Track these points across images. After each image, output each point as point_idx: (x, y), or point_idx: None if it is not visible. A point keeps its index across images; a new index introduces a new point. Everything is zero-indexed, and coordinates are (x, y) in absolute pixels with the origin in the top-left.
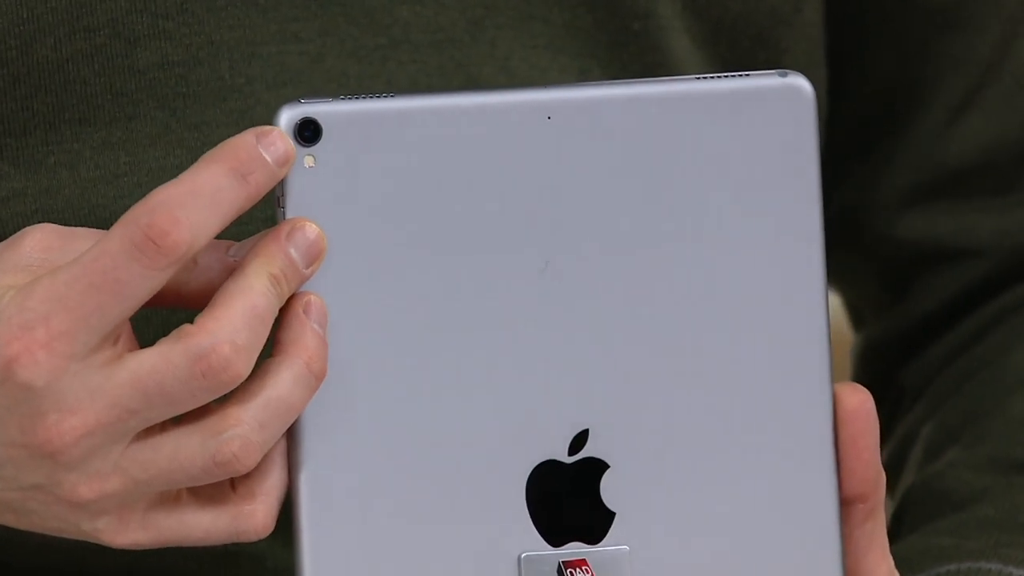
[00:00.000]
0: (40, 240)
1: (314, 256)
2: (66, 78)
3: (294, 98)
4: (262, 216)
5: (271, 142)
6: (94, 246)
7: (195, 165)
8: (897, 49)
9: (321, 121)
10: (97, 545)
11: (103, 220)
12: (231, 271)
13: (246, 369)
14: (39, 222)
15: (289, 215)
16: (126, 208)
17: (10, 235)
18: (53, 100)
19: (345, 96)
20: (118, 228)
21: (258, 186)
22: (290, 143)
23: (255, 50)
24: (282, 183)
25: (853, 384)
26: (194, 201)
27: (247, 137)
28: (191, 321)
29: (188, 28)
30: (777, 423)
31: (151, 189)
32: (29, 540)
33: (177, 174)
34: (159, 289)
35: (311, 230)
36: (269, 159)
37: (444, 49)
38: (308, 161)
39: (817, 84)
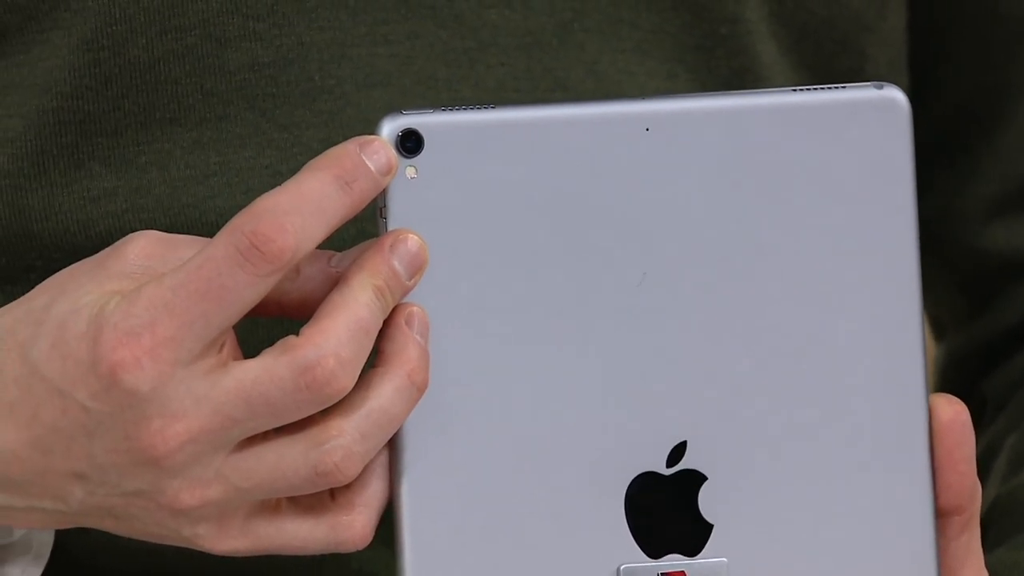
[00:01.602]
0: (143, 247)
1: (417, 268)
2: (157, 78)
3: (384, 100)
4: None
5: (374, 151)
6: (199, 253)
7: (299, 173)
8: (983, 58)
9: (423, 132)
10: (179, 547)
11: (193, 220)
12: (333, 281)
13: (350, 382)
14: (129, 221)
15: (391, 226)
16: (216, 208)
17: (101, 233)
18: (144, 100)
19: (445, 107)
20: (223, 235)
21: (362, 194)
22: (393, 152)
23: (345, 52)
24: (384, 194)
25: (948, 396)
26: (300, 208)
27: (350, 146)
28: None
29: (278, 29)
30: (873, 435)
31: (241, 189)
32: (115, 544)
33: (267, 175)
34: (263, 297)
35: (414, 242)
36: (372, 168)
37: (532, 52)
38: (410, 172)
39: None
